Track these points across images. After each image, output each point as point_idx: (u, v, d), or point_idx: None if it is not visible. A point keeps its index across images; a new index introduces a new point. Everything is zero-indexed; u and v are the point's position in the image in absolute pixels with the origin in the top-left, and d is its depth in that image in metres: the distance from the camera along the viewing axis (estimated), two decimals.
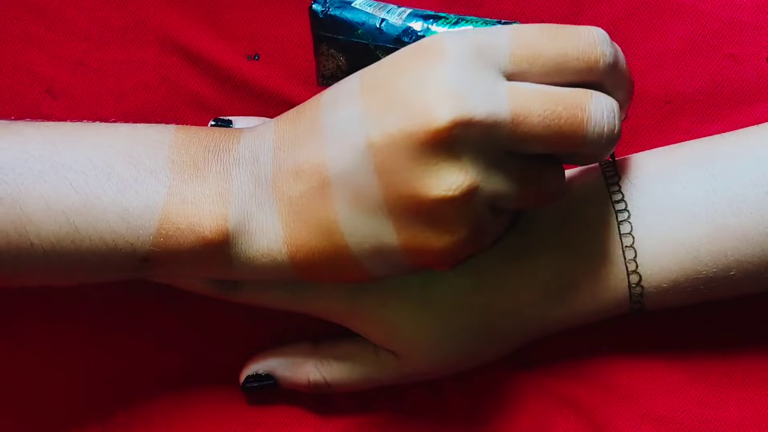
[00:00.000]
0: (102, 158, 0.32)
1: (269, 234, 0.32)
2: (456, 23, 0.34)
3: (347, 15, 0.35)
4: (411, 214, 0.30)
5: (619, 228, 0.35)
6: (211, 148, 0.33)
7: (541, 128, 0.30)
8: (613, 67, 0.31)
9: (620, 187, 0.36)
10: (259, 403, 0.39)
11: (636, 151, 0.38)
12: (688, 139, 0.39)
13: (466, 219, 0.30)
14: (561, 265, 0.35)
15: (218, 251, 0.32)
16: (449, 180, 0.29)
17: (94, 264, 0.32)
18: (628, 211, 0.35)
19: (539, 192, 0.32)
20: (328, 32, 0.36)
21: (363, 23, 0.35)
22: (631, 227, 0.35)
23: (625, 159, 0.37)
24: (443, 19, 0.34)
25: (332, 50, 0.36)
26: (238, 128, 0.35)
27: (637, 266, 0.34)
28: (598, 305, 0.35)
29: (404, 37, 0.34)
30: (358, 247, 0.31)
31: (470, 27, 0.34)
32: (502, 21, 0.34)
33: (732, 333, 0.39)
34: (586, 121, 0.30)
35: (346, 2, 0.35)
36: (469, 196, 0.29)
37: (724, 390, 0.38)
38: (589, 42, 0.31)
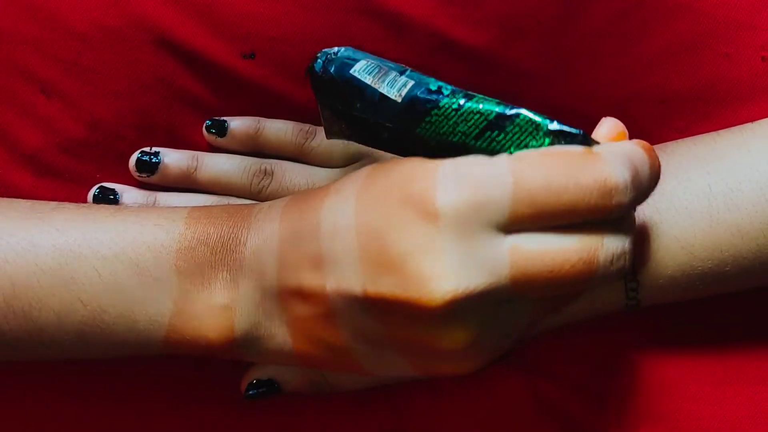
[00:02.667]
0: (109, 270, 0.32)
1: (278, 340, 0.32)
2: (458, 108, 0.31)
3: (346, 83, 0.33)
4: (421, 355, 0.30)
5: None
6: (218, 250, 0.33)
7: (544, 284, 0.28)
8: (634, 203, 0.29)
9: None
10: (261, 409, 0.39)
11: None
12: (684, 138, 0.39)
13: (479, 354, 0.30)
14: None
15: (227, 350, 0.33)
16: (452, 337, 0.28)
17: (107, 356, 0.35)
18: None
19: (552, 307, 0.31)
20: (327, 98, 0.33)
21: (361, 95, 0.32)
22: None
23: None
24: (446, 98, 0.31)
25: (333, 116, 0.34)
26: (245, 221, 0.33)
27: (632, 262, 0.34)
28: (594, 302, 0.35)
29: (406, 116, 0.31)
30: (370, 365, 0.32)
31: (477, 105, 0.31)
32: (509, 106, 0.30)
33: (728, 330, 0.39)
34: (594, 271, 0.28)
35: (346, 64, 0.33)
36: (476, 343, 0.29)
37: (720, 387, 0.38)
38: (603, 194, 0.27)
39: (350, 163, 0.40)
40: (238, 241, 0.32)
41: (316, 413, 0.39)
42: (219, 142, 0.40)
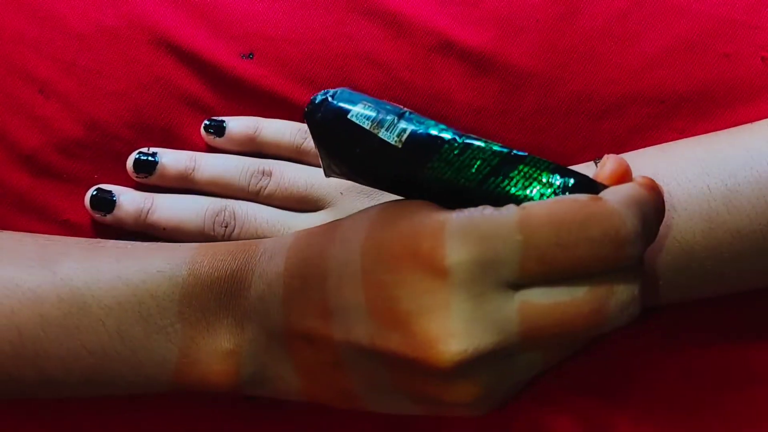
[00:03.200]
0: (113, 319, 0.32)
1: (286, 381, 0.32)
2: (460, 154, 0.30)
3: (344, 129, 0.31)
4: (431, 403, 0.30)
5: None
6: (222, 296, 0.33)
7: (554, 337, 0.28)
8: (644, 249, 0.28)
9: None
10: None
11: (631, 150, 0.38)
12: (683, 139, 0.39)
13: (491, 402, 0.30)
14: None
15: (235, 391, 0.33)
16: (462, 391, 0.28)
17: (116, 395, 0.36)
18: None
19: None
20: (324, 142, 0.32)
21: (360, 141, 0.31)
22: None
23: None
24: (446, 144, 0.30)
25: (331, 158, 0.32)
26: (248, 263, 0.33)
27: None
28: None
29: (406, 162, 0.30)
30: (378, 407, 0.32)
31: (479, 145, 0.30)
32: (513, 152, 0.30)
33: (728, 331, 0.39)
34: (605, 321, 0.28)
35: (344, 108, 0.31)
36: (487, 395, 0.29)
37: (718, 387, 0.38)
38: (614, 246, 0.27)
39: None
40: (242, 286, 0.32)
41: (315, 413, 0.39)
42: (217, 142, 0.40)
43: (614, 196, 0.28)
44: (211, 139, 0.40)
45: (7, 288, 0.33)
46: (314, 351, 0.31)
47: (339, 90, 0.32)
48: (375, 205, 0.31)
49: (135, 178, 0.40)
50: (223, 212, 0.39)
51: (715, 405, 0.38)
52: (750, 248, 0.34)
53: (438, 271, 0.27)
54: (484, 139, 0.30)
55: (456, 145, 0.30)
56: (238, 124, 0.40)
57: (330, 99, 0.31)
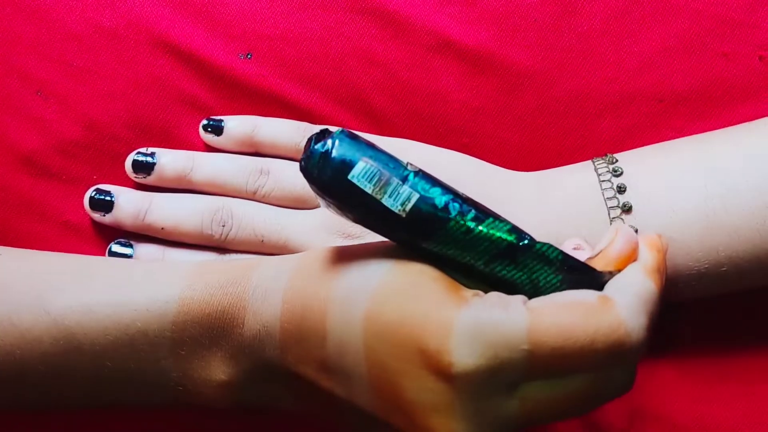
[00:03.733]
0: (108, 358, 0.32)
1: (281, 401, 0.33)
2: (465, 233, 0.28)
3: (344, 190, 0.29)
4: None
5: (611, 224, 0.35)
6: (214, 333, 0.32)
7: (549, 421, 0.29)
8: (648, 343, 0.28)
9: (612, 184, 0.35)
10: None
11: (629, 149, 0.38)
12: (680, 138, 0.39)
13: None
14: None
15: (234, 410, 0.34)
16: None
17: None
18: (620, 208, 0.35)
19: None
20: (323, 197, 0.29)
21: (361, 203, 0.29)
22: (624, 224, 0.35)
23: (617, 157, 0.37)
24: (453, 220, 0.28)
25: (330, 207, 0.30)
26: (241, 300, 0.32)
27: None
28: None
29: (410, 231, 0.29)
30: None
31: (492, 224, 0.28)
32: (524, 234, 0.29)
33: (724, 330, 0.39)
34: (599, 405, 0.29)
35: (343, 166, 0.28)
36: None
37: (716, 387, 0.38)
38: (620, 357, 0.27)
39: None
40: (234, 323, 0.32)
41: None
42: (216, 141, 0.40)
43: (622, 298, 0.27)
44: (209, 138, 0.40)
45: (4, 327, 0.32)
46: (313, 389, 0.31)
47: (338, 137, 0.29)
48: (375, 266, 0.30)
49: (133, 179, 0.40)
50: (220, 211, 0.38)
51: (712, 403, 0.38)
52: (747, 247, 0.34)
53: (444, 374, 0.27)
54: (492, 218, 0.29)
55: (462, 224, 0.28)
56: (236, 124, 0.40)
57: (329, 155, 0.28)
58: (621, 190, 0.35)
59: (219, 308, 0.32)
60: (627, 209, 0.35)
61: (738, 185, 0.34)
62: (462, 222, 0.28)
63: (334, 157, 0.28)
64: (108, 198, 0.39)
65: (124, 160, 0.40)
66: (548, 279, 0.29)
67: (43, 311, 0.32)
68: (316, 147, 0.29)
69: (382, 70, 0.41)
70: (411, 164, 0.29)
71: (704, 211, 0.34)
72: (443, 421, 0.27)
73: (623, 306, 0.27)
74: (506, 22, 0.41)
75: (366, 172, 0.29)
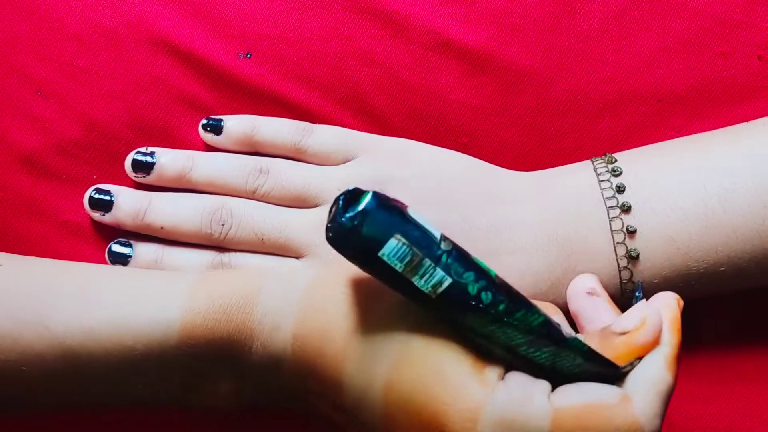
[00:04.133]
0: (114, 376, 0.32)
1: (294, 407, 0.34)
2: (494, 322, 0.28)
3: (373, 264, 0.27)
4: None
5: (610, 224, 0.35)
6: (219, 357, 0.32)
7: None
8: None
9: (611, 183, 0.36)
10: None
11: (628, 149, 0.38)
12: (679, 137, 0.39)
13: None
14: (552, 260, 0.35)
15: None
16: None
17: None
18: (618, 208, 0.35)
19: None
20: (353, 262, 0.28)
21: (390, 278, 0.28)
22: (623, 224, 0.35)
23: (616, 156, 0.37)
24: (483, 310, 0.28)
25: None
26: (246, 328, 0.32)
27: (628, 263, 0.34)
28: None
29: (439, 309, 0.28)
30: None
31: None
32: (553, 327, 0.28)
33: (722, 328, 0.39)
34: None
35: (374, 243, 0.27)
36: None
37: (714, 385, 0.39)
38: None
39: (348, 160, 0.40)
40: (241, 349, 0.32)
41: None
42: (215, 140, 0.40)
43: (642, 397, 0.28)
44: (209, 137, 0.40)
45: (6, 343, 0.32)
46: (321, 411, 0.32)
47: (370, 209, 0.27)
48: (398, 321, 0.30)
49: (133, 178, 0.40)
50: (220, 210, 0.38)
51: (710, 401, 0.38)
52: (746, 247, 0.34)
53: None
54: (524, 309, 0.28)
55: (492, 313, 0.28)
56: (235, 123, 0.40)
57: (359, 230, 0.27)
58: (620, 189, 0.35)
59: (224, 334, 0.32)
60: (626, 209, 0.35)
61: (737, 185, 0.34)
62: (492, 312, 0.28)
63: (364, 234, 0.27)
64: (107, 197, 0.39)
65: (124, 160, 0.40)
66: (571, 364, 0.29)
67: (44, 328, 0.32)
68: (345, 218, 0.27)
69: (382, 69, 0.41)
70: (445, 238, 0.28)
71: (703, 210, 0.34)
72: None
73: (641, 405, 0.28)
74: (505, 21, 0.41)
75: (397, 251, 0.27)
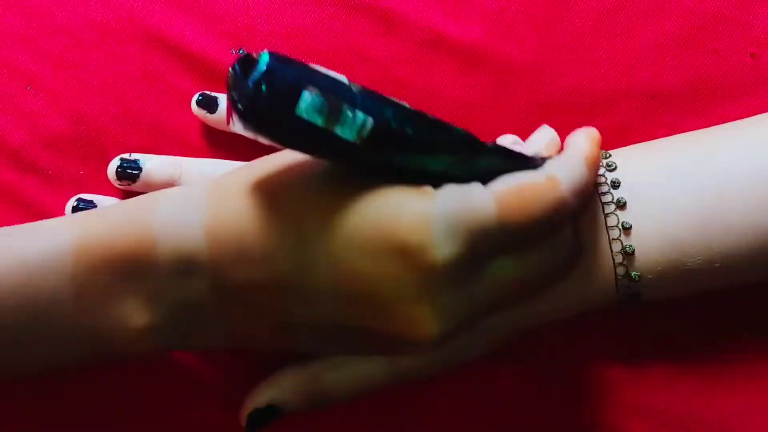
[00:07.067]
0: (11, 320, 0.30)
1: (211, 338, 0.31)
2: (423, 148, 0.28)
3: (292, 127, 0.25)
4: (380, 349, 0.31)
5: (605, 221, 0.35)
6: (122, 279, 0.30)
7: (511, 302, 0.31)
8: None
9: (606, 179, 0.36)
10: None
11: (621, 146, 0.38)
12: (673, 134, 0.39)
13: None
14: None
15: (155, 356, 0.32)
16: (422, 347, 0.30)
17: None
18: (614, 204, 0.35)
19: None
20: (268, 136, 0.26)
21: (313, 136, 0.26)
22: (618, 220, 0.35)
23: (611, 153, 0.37)
24: (409, 141, 0.28)
25: (270, 141, 0.26)
26: (145, 240, 0.30)
27: (623, 259, 0.34)
28: (584, 298, 0.35)
29: (367, 155, 0.28)
30: (313, 350, 0.32)
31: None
32: (474, 138, 0.30)
33: (719, 326, 0.39)
34: (554, 279, 0.32)
35: (287, 100, 0.25)
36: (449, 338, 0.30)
37: (711, 383, 0.39)
38: (559, 225, 0.31)
39: None
40: (145, 264, 0.30)
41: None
42: (208, 118, 0.39)
43: (564, 176, 0.31)
44: (202, 114, 0.39)
45: None
46: (256, 318, 0.30)
47: (273, 65, 0.25)
48: (319, 177, 0.29)
49: (118, 186, 0.39)
50: None
51: (705, 399, 0.38)
52: (740, 244, 0.34)
53: (426, 267, 0.28)
54: (445, 129, 0.29)
55: (419, 139, 0.28)
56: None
57: (270, 89, 0.24)
58: (615, 185, 0.35)
59: (122, 250, 0.30)
60: (621, 205, 0.35)
61: (731, 182, 0.34)
62: (418, 140, 0.28)
63: (276, 93, 0.24)
64: (91, 208, 0.38)
65: (113, 155, 0.39)
66: (496, 166, 0.30)
67: None
68: (252, 83, 0.24)
69: (375, 65, 0.41)
70: (351, 82, 0.27)
71: (698, 206, 0.34)
72: (424, 308, 0.28)
73: (565, 186, 0.30)
74: (500, 18, 0.41)
75: (314, 103, 0.25)
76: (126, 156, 0.39)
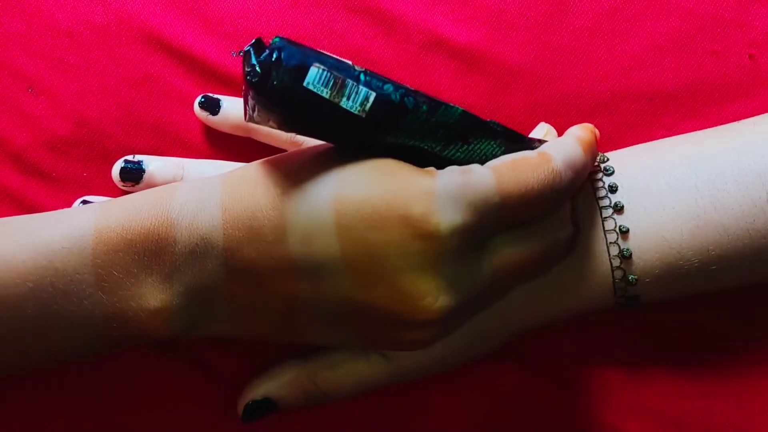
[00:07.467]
0: (31, 301, 0.31)
1: (221, 323, 0.32)
2: (424, 122, 0.30)
3: (300, 99, 0.28)
4: (381, 342, 0.32)
5: (603, 224, 0.35)
6: (142, 258, 0.31)
7: (513, 280, 0.32)
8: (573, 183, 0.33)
9: (604, 183, 0.36)
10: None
11: (619, 148, 0.39)
12: (671, 136, 0.39)
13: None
14: None
15: (171, 340, 0.32)
16: (424, 336, 0.31)
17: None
18: (611, 207, 0.35)
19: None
20: (275, 109, 0.28)
21: (320, 110, 0.29)
22: (615, 223, 0.35)
23: (608, 156, 0.37)
24: (410, 114, 0.30)
25: (279, 121, 0.29)
26: (165, 219, 0.31)
27: (621, 262, 0.35)
28: (582, 301, 0.35)
29: (370, 130, 0.30)
30: (316, 340, 0.33)
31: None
32: (473, 115, 0.31)
33: (718, 326, 0.39)
34: (553, 261, 0.33)
35: (296, 74, 0.28)
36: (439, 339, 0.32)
37: (709, 383, 0.39)
38: (557, 202, 0.32)
39: None
40: (164, 243, 0.31)
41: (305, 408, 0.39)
42: (210, 120, 0.40)
43: (557, 153, 0.32)
44: (204, 115, 0.40)
45: None
46: (264, 299, 0.31)
47: (283, 46, 0.28)
48: (333, 159, 0.31)
49: (122, 188, 0.39)
50: None
51: (701, 398, 0.39)
52: (737, 246, 0.34)
53: (430, 235, 0.29)
54: (443, 105, 0.30)
55: (418, 114, 0.30)
56: (235, 106, 0.39)
57: (281, 64, 0.27)
58: (613, 189, 0.35)
59: (142, 232, 0.31)
60: (619, 208, 0.35)
61: (728, 184, 0.34)
62: (418, 114, 0.30)
63: (286, 66, 0.27)
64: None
65: (115, 157, 0.40)
66: (493, 151, 0.32)
67: None
68: (263, 58, 0.28)
69: (375, 67, 0.41)
70: (355, 64, 0.29)
71: (695, 210, 0.34)
72: (428, 280, 0.29)
73: (557, 159, 0.32)
74: (498, 20, 0.41)
75: (320, 77, 0.28)
76: (129, 157, 0.39)
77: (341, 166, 0.30)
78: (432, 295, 0.29)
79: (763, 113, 0.38)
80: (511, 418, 0.39)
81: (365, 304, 0.30)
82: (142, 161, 0.39)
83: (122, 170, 0.39)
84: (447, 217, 0.29)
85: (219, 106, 0.39)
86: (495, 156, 0.32)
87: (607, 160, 0.37)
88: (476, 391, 0.39)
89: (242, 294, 0.31)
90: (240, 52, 0.41)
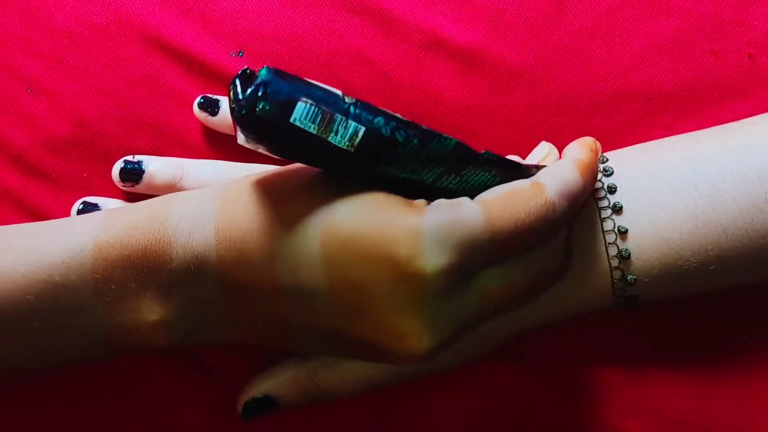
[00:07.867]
0: (35, 312, 0.31)
1: (219, 332, 0.32)
2: (415, 156, 0.29)
3: (286, 134, 0.27)
4: (372, 358, 0.31)
5: (602, 224, 0.35)
6: (139, 274, 0.31)
7: (504, 308, 0.31)
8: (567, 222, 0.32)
9: (603, 183, 0.36)
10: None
11: (618, 148, 0.39)
12: (671, 136, 0.39)
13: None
14: None
15: (168, 350, 0.33)
16: (412, 360, 0.30)
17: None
18: (610, 208, 0.35)
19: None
20: (266, 142, 0.28)
21: (306, 144, 0.28)
22: (614, 224, 0.35)
23: (607, 156, 0.37)
24: (401, 147, 0.29)
25: (268, 151, 0.29)
26: (163, 235, 0.31)
27: (620, 262, 0.35)
28: (581, 301, 0.35)
29: (359, 163, 0.29)
30: (310, 351, 0.33)
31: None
32: (467, 147, 0.30)
33: (716, 326, 0.39)
34: (541, 289, 0.32)
35: (283, 109, 0.27)
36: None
37: (708, 383, 0.39)
38: (550, 232, 0.31)
39: None
40: (161, 260, 0.31)
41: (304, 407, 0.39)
42: (210, 121, 0.40)
43: (551, 182, 0.31)
44: (204, 116, 0.40)
45: None
46: (260, 315, 0.31)
47: (270, 79, 0.27)
48: (323, 187, 0.30)
49: (122, 188, 0.39)
50: None
51: (700, 398, 0.39)
52: (735, 246, 0.34)
53: (415, 278, 0.28)
54: (436, 137, 0.29)
55: (409, 148, 0.29)
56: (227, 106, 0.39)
57: (267, 100, 0.27)
58: (612, 190, 0.35)
59: (139, 248, 0.31)
60: (617, 209, 0.35)
61: (726, 184, 0.34)
62: (409, 148, 0.29)
63: (272, 101, 0.27)
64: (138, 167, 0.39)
65: (115, 158, 0.40)
66: (487, 180, 0.31)
67: None
68: (249, 94, 0.27)
69: (374, 68, 0.41)
70: (346, 94, 0.28)
71: (693, 210, 0.34)
72: (412, 320, 0.29)
73: (551, 189, 0.31)
74: (498, 20, 0.41)
75: (308, 113, 0.27)
76: (129, 158, 0.39)
77: (331, 197, 0.30)
78: (415, 336, 0.29)
79: (762, 113, 0.38)
80: (510, 418, 0.39)
81: (354, 334, 0.30)
82: (141, 161, 0.39)
83: (122, 170, 0.39)
84: (432, 260, 0.28)
85: (218, 107, 0.40)
86: (489, 185, 0.32)
87: (606, 160, 0.37)
88: (476, 392, 0.39)
89: (238, 309, 0.31)
90: (240, 52, 0.41)
